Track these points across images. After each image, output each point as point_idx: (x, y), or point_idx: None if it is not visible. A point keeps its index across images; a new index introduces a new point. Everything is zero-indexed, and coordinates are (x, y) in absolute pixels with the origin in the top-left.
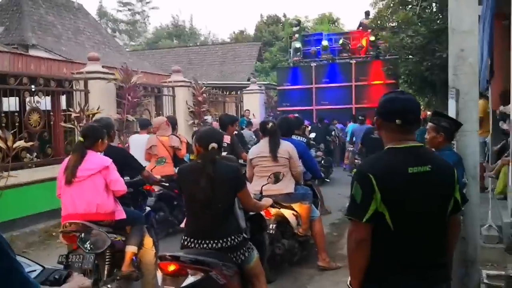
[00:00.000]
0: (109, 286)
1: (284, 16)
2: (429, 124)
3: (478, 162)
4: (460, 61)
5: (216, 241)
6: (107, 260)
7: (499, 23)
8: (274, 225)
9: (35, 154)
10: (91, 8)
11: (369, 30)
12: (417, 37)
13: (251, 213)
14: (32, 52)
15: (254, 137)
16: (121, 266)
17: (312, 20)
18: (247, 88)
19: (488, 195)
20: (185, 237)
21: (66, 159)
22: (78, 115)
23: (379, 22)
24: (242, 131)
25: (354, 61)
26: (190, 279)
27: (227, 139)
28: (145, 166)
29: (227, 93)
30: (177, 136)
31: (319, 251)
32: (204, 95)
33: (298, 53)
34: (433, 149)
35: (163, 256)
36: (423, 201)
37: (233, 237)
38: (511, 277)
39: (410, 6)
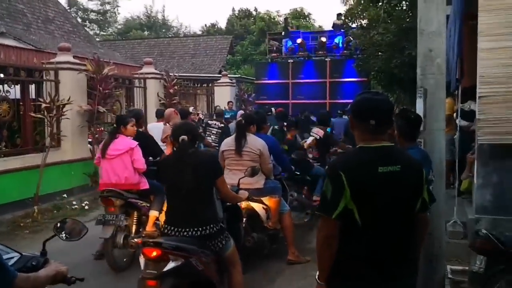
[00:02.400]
0: (135, 240)
1: (256, 10)
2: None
3: (444, 159)
4: (428, 61)
5: (195, 229)
6: (135, 221)
7: (467, 23)
8: (244, 219)
9: (3, 144)
10: None
11: (342, 30)
12: (387, 34)
13: (228, 204)
14: (0, 40)
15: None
16: (146, 226)
17: (284, 14)
18: (218, 81)
19: (454, 192)
20: (165, 225)
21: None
22: (48, 105)
23: (349, 18)
24: (229, 125)
25: (329, 59)
26: (171, 264)
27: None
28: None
29: (199, 85)
30: None
31: (288, 245)
32: (176, 87)
33: (289, 50)
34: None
35: (146, 242)
36: (392, 199)
37: (211, 225)
38: (474, 273)
39: (380, 4)
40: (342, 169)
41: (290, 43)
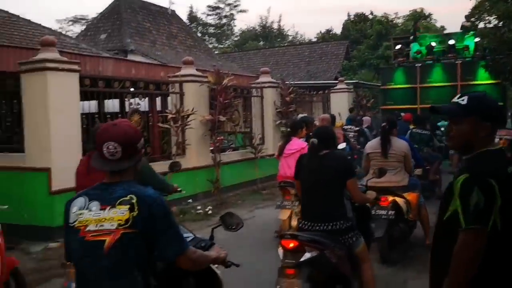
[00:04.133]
0: None
1: (372, 13)
2: None
3: None
4: None
5: (326, 224)
6: None
7: None
8: (392, 212)
9: None
10: (182, 14)
11: (472, 32)
12: None
13: (357, 204)
14: (130, 57)
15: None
16: None
17: (402, 16)
18: (335, 87)
19: None
20: (301, 220)
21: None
22: (175, 116)
23: (476, 17)
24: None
25: (460, 61)
26: (307, 255)
27: None
28: None
29: (315, 92)
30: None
31: (426, 232)
32: (292, 95)
33: (417, 54)
34: None
35: (284, 235)
36: None
37: (341, 222)
38: None
39: None
40: (493, 177)
41: (417, 46)
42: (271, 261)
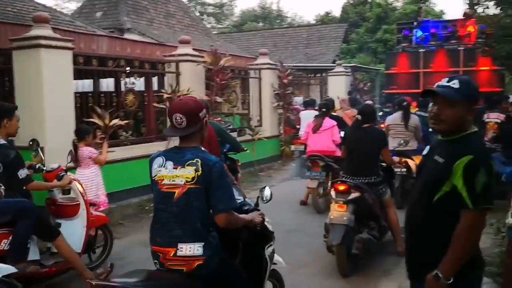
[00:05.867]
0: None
1: None
2: None
3: None
4: None
5: (364, 178)
6: (330, 178)
7: None
8: (404, 169)
9: (130, 132)
10: None
11: (474, 19)
12: None
13: (385, 166)
14: (127, 35)
15: None
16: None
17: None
18: (332, 70)
19: None
20: (343, 174)
21: (311, 122)
22: (170, 96)
23: (476, 1)
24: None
25: (463, 48)
26: (352, 195)
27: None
28: None
29: (312, 75)
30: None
31: None
32: (289, 77)
33: (420, 40)
34: None
35: (336, 181)
36: None
37: (375, 177)
38: None
39: None
40: (491, 158)
41: (420, 32)
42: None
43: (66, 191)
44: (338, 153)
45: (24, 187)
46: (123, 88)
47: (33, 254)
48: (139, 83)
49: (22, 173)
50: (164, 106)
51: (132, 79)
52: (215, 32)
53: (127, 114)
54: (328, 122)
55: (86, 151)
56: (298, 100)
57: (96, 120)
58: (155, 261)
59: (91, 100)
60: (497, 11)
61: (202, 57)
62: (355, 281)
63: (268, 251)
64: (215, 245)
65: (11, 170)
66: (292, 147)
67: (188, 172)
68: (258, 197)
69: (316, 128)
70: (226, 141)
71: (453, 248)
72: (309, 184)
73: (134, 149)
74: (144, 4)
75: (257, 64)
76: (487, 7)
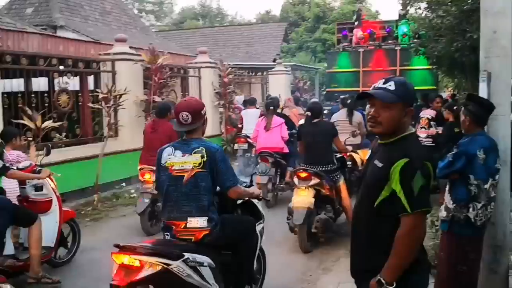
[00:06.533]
0: (281, 186)
1: None
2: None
3: (509, 146)
4: (493, 43)
5: (321, 166)
6: (279, 173)
7: None
8: (350, 162)
9: (64, 134)
10: None
11: (407, 19)
12: (447, 17)
13: (338, 155)
14: (60, 33)
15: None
16: (285, 177)
17: (339, 0)
18: (273, 69)
19: None
20: (303, 164)
21: (262, 120)
22: (106, 95)
23: (408, 2)
24: None
25: (399, 48)
26: (313, 181)
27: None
28: None
29: (253, 74)
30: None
31: None
32: (230, 76)
33: (359, 40)
34: (468, 133)
35: (298, 169)
36: None
37: (330, 165)
38: None
39: None
40: (428, 159)
41: (360, 32)
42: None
43: (39, 187)
44: (286, 150)
45: (4, 175)
46: (56, 88)
47: (9, 248)
48: (73, 83)
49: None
50: (100, 107)
51: (65, 79)
52: (154, 30)
53: (61, 115)
54: (276, 120)
55: (13, 154)
56: (239, 99)
57: (26, 121)
58: (167, 233)
59: (21, 101)
60: (428, 12)
61: (140, 55)
62: (316, 255)
63: (258, 227)
64: (216, 219)
65: None
66: (236, 146)
67: (195, 159)
68: (252, 175)
69: (268, 126)
70: None
71: (394, 253)
72: (258, 180)
73: (68, 151)
74: (78, 0)
75: (196, 63)
76: (419, 8)
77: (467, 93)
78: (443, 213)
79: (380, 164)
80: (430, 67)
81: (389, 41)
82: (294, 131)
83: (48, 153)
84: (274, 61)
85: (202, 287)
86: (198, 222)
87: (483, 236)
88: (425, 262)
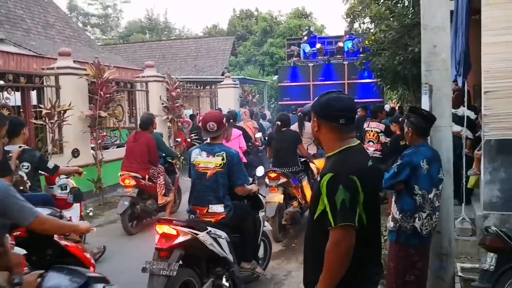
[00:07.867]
0: None
1: (257, 10)
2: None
3: (452, 157)
4: (433, 57)
5: (288, 168)
6: None
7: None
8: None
9: None
10: (61, 2)
11: (353, 35)
12: (389, 32)
13: (302, 159)
14: (0, 47)
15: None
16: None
17: (285, 14)
18: (221, 83)
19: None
20: (273, 167)
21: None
22: (49, 111)
23: (352, 17)
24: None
25: (347, 62)
26: (281, 181)
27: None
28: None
29: (201, 87)
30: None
31: None
32: (178, 90)
33: (308, 55)
34: (411, 144)
35: (269, 170)
36: (374, 197)
37: (296, 167)
38: (485, 270)
39: (382, 1)
40: (354, 174)
41: (308, 48)
42: None
43: (63, 187)
44: (244, 160)
45: (55, 174)
46: None
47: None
48: (14, 98)
49: (50, 164)
50: (44, 122)
51: (5, 94)
52: (100, 44)
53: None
54: (235, 131)
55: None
56: (187, 112)
57: None
58: (192, 215)
59: None
60: (372, 26)
61: (85, 69)
62: (286, 244)
63: (261, 215)
64: (230, 205)
65: (38, 169)
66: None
67: (217, 160)
68: (254, 175)
69: (228, 137)
70: (161, 150)
71: (324, 267)
72: None
73: None
74: (19, 13)
75: (143, 77)
76: (363, 23)
77: (409, 105)
78: (390, 224)
79: (319, 179)
80: (375, 80)
81: (337, 56)
82: (249, 143)
83: (75, 156)
84: (222, 74)
85: (220, 254)
86: (217, 208)
87: (429, 244)
88: (361, 280)
